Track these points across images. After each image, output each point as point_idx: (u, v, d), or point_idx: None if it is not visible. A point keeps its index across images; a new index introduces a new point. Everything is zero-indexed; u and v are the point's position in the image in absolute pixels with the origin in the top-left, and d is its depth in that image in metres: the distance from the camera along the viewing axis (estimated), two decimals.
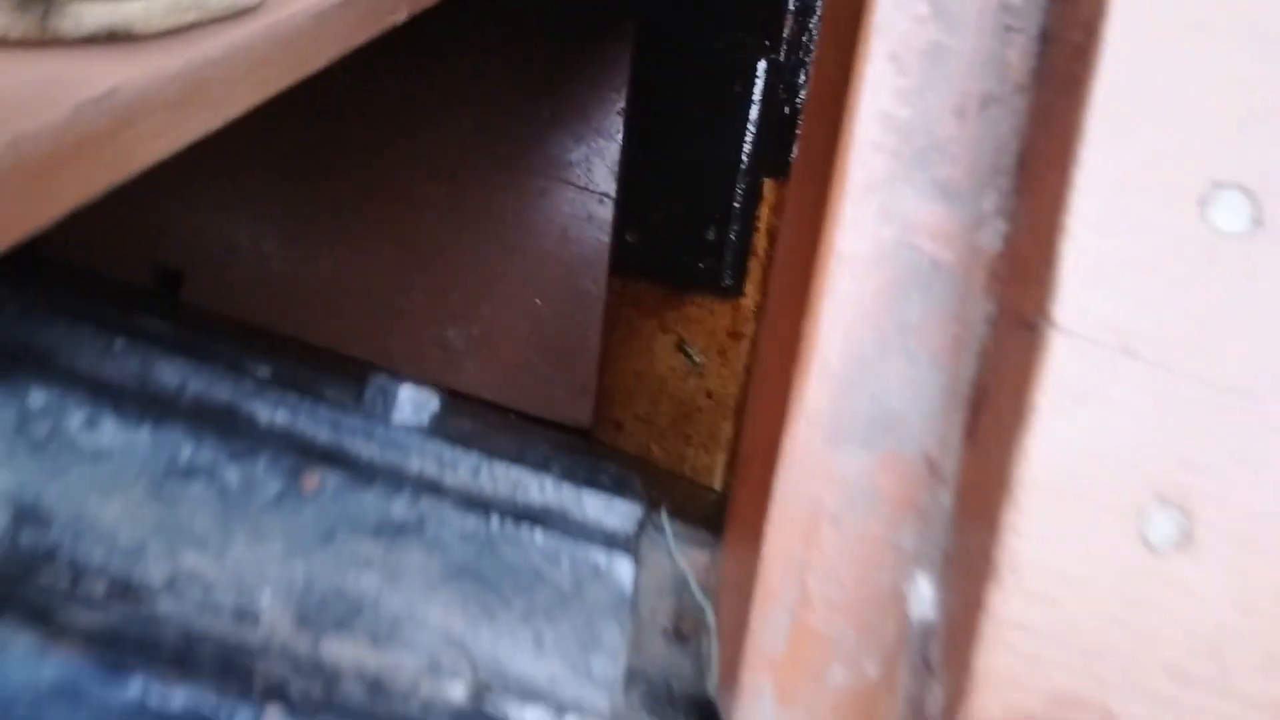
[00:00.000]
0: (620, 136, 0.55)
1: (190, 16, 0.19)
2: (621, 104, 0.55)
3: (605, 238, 0.55)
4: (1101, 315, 0.12)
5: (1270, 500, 0.12)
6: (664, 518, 0.19)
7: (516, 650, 0.15)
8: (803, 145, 0.16)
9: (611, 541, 0.15)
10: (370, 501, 0.15)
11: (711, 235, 0.44)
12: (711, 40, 0.46)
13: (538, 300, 0.57)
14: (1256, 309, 0.12)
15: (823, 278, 0.14)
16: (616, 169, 0.55)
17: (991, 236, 0.14)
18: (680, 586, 0.18)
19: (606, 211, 0.55)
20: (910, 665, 0.14)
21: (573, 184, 0.55)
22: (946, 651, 0.13)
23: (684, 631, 0.18)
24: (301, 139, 0.48)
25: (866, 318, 0.14)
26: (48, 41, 0.17)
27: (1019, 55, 0.14)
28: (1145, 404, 0.12)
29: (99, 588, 0.14)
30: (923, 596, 0.14)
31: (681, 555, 0.18)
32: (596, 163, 0.55)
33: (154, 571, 0.14)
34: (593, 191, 0.55)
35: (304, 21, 0.22)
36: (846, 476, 0.14)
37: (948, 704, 0.13)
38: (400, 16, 0.27)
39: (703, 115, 0.51)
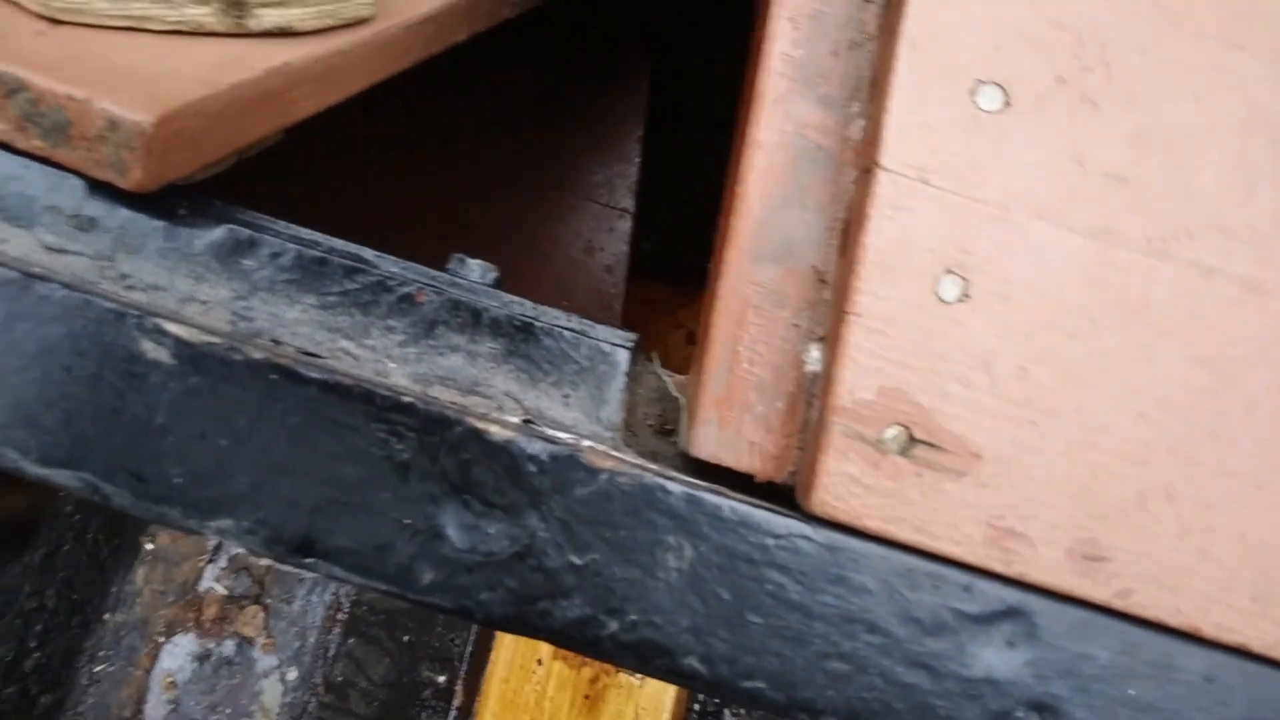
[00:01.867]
0: (638, 160, 0.65)
1: (329, 21, 0.28)
2: (640, 132, 0.65)
3: (625, 247, 0.64)
4: (908, 159, 0.21)
5: (1017, 271, 0.21)
6: (655, 358, 0.27)
7: (551, 403, 0.23)
8: (744, 84, 0.25)
9: (613, 341, 0.24)
10: (456, 317, 0.24)
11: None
12: (716, 69, 0.55)
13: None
14: (1005, 153, 0.21)
15: (748, 157, 0.23)
16: (635, 188, 0.64)
17: (855, 129, 0.23)
18: (664, 398, 0.26)
19: (626, 225, 0.64)
20: (805, 399, 0.22)
21: (597, 202, 0.64)
22: (824, 386, 0.22)
23: (666, 427, 0.26)
24: (366, 142, 0.57)
25: (775, 181, 0.23)
26: (241, 34, 0.26)
27: (871, 16, 0.23)
28: (935, 212, 0.21)
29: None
30: (814, 357, 0.22)
31: (664, 374, 0.26)
32: (618, 183, 0.65)
33: (322, 350, 0.23)
34: (614, 208, 0.64)
35: (398, 31, 0.31)
36: (763, 282, 0.22)
37: (821, 413, 0.21)
38: (461, 36, 0.37)
39: (709, 137, 0.60)
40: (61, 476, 0.19)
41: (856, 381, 0.21)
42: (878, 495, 0.21)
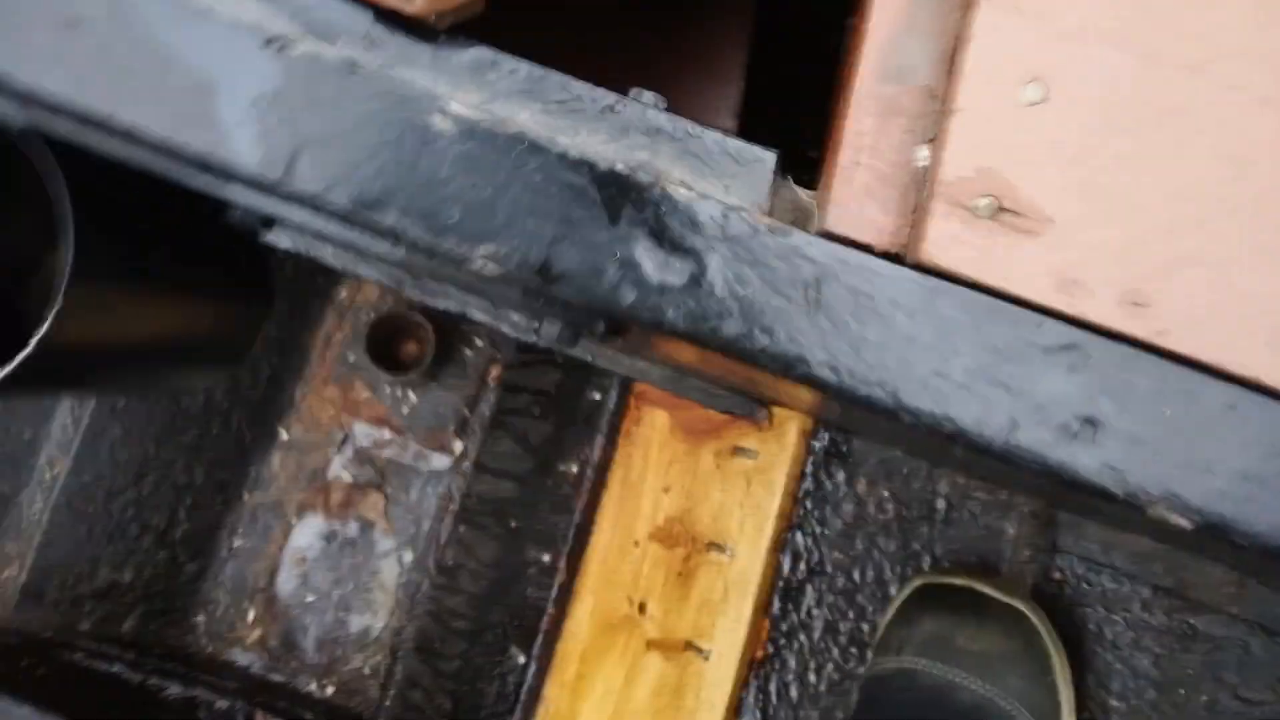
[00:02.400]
0: (741, 84, 0.71)
1: None
2: (744, 58, 0.71)
3: None
4: None
5: (1084, 80, 0.27)
6: (789, 177, 0.34)
7: (716, 187, 0.30)
8: None
9: (762, 148, 0.31)
10: (642, 126, 0.31)
11: None
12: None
13: None
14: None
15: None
16: (737, 109, 0.71)
17: None
18: (798, 207, 0.33)
19: None
20: (916, 187, 0.29)
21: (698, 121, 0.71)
22: (931, 170, 0.28)
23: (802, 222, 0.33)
24: None
25: (896, 16, 0.29)
26: None
27: None
28: (1023, 34, 0.27)
29: None
30: (923, 155, 0.29)
31: (799, 189, 0.33)
32: (721, 105, 0.71)
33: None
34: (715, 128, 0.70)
35: None
36: (884, 98, 0.29)
37: (929, 188, 0.28)
38: None
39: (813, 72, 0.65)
40: (376, 215, 0.27)
41: (956, 163, 0.28)
42: (971, 250, 0.27)
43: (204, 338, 0.45)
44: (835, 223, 0.29)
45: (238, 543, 0.90)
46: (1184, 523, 0.28)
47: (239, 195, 0.30)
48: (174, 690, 0.84)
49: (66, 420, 0.81)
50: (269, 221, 0.51)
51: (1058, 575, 0.60)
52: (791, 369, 0.28)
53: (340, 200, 0.27)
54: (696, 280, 0.28)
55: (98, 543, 0.82)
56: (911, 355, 0.28)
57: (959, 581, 0.58)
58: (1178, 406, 0.28)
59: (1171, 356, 0.28)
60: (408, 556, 0.90)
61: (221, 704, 0.85)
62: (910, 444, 0.60)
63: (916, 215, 0.28)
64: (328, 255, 0.70)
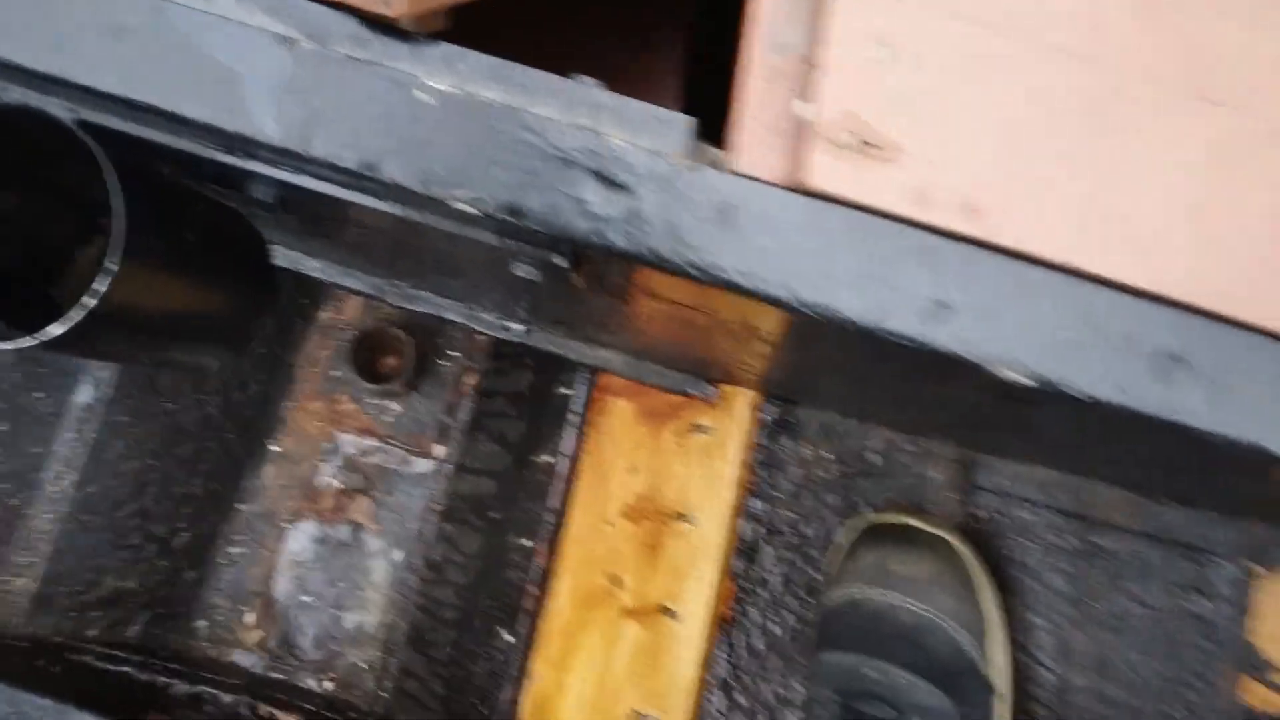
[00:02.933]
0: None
1: None
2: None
3: None
4: None
5: (929, 42, 0.35)
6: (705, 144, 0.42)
7: (644, 140, 0.38)
8: None
9: (680, 115, 0.39)
10: (585, 101, 0.39)
11: None
12: None
13: None
14: None
15: None
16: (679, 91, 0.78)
17: None
18: (711, 157, 0.41)
19: None
20: (798, 135, 0.37)
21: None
22: (810, 119, 0.36)
23: None
24: None
25: (779, 6, 0.37)
26: None
27: None
28: (877, 8, 0.36)
29: None
30: (803, 107, 0.37)
31: (710, 147, 0.41)
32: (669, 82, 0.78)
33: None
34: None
35: None
36: (773, 64, 0.37)
37: (808, 133, 0.36)
38: None
39: None
40: (377, 172, 0.35)
41: (828, 111, 0.35)
42: (843, 177, 0.35)
43: (219, 319, 0.52)
44: (739, 164, 0.37)
45: (235, 550, 0.95)
46: (1026, 381, 0.35)
47: (263, 170, 0.38)
48: (180, 688, 0.89)
49: (73, 436, 0.86)
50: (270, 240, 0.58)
51: (979, 512, 0.67)
52: (711, 276, 0.35)
53: (349, 161, 0.35)
54: (633, 210, 0.35)
55: (104, 552, 0.87)
56: (804, 261, 0.35)
57: (892, 519, 0.66)
58: (1009, 289, 0.35)
59: (1002, 250, 0.35)
60: (397, 555, 0.96)
61: (226, 699, 0.90)
62: (843, 400, 0.68)
63: (801, 153, 0.36)
64: (313, 269, 0.77)
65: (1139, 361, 0.35)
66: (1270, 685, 0.57)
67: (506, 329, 0.78)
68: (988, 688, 0.62)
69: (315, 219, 0.48)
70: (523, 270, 0.39)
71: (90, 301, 0.39)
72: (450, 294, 0.76)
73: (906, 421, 0.67)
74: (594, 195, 0.35)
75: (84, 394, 0.86)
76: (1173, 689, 0.59)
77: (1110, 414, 0.36)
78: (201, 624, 0.94)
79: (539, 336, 0.78)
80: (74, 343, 0.42)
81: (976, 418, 0.53)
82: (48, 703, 0.75)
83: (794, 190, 0.36)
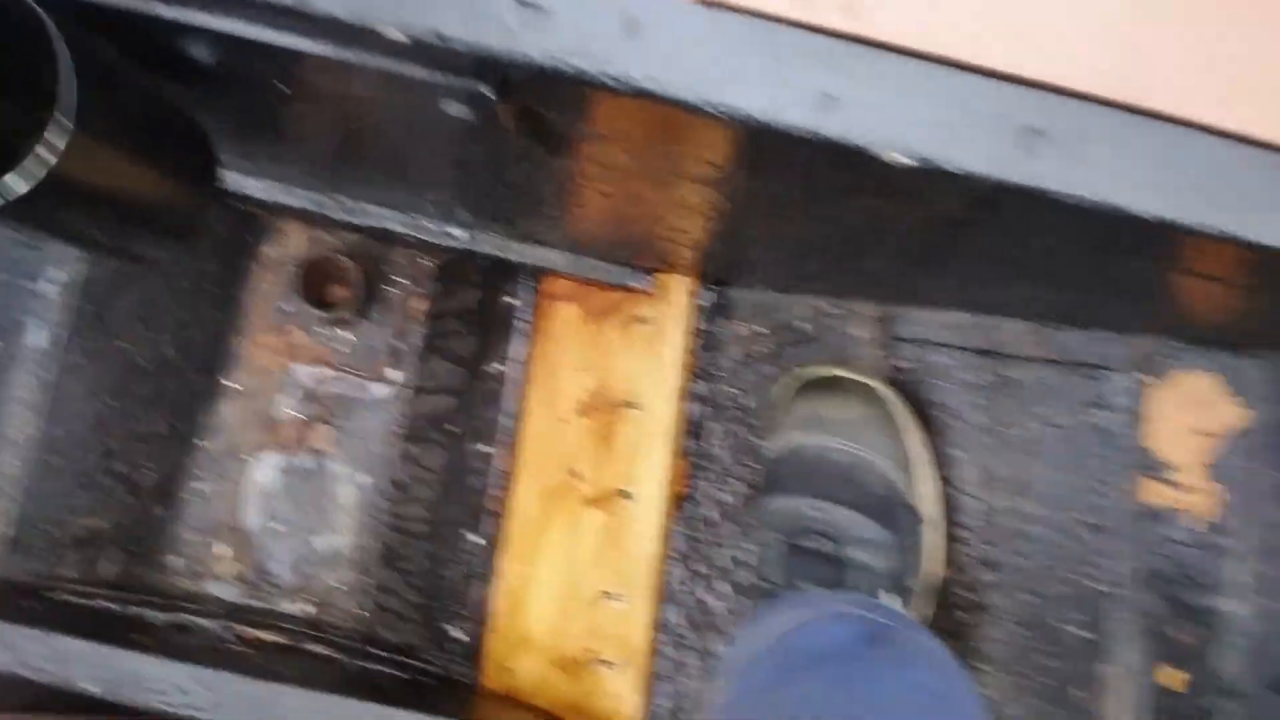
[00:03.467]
0: None
1: None
2: None
3: None
4: None
5: None
6: None
7: None
8: None
9: None
10: None
11: None
12: None
13: None
14: None
15: None
16: None
17: None
18: None
19: None
20: None
21: None
22: None
23: None
24: None
25: None
26: None
27: None
28: None
29: None
30: None
31: None
32: None
33: None
34: None
35: None
36: None
37: None
38: None
39: None
40: (307, 3, 0.38)
41: None
42: None
43: (164, 203, 0.54)
44: None
45: (201, 485, 0.97)
46: (909, 161, 0.40)
47: (200, 21, 0.40)
48: (161, 617, 0.91)
49: (31, 380, 0.88)
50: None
51: (902, 363, 0.72)
52: (623, 85, 0.39)
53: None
54: (547, 26, 0.39)
55: (73, 493, 0.89)
56: (706, 66, 0.39)
57: (822, 372, 0.70)
58: (890, 80, 0.40)
59: (882, 45, 0.40)
60: (363, 479, 0.98)
61: (207, 624, 0.92)
62: (770, 268, 0.72)
63: None
64: (256, 190, 0.80)
65: (1006, 137, 0.40)
66: (1164, 482, 0.63)
67: (449, 235, 0.81)
68: (917, 516, 0.67)
69: (251, 95, 0.50)
70: (454, 109, 0.43)
71: (48, 156, 0.42)
72: (392, 203, 0.79)
73: (829, 282, 0.71)
74: (511, 14, 0.39)
75: (36, 337, 0.88)
76: (1082, 497, 0.65)
77: (982, 189, 0.40)
78: (175, 560, 0.97)
79: (481, 240, 0.81)
80: (34, 209, 0.44)
81: (887, 254, 0.57)
82: (35, 632, 0.78)
83: (693, 1, 0.40)
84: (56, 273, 0.88)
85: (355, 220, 0.80)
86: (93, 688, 0.79)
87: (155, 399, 0.94)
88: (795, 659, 0.57)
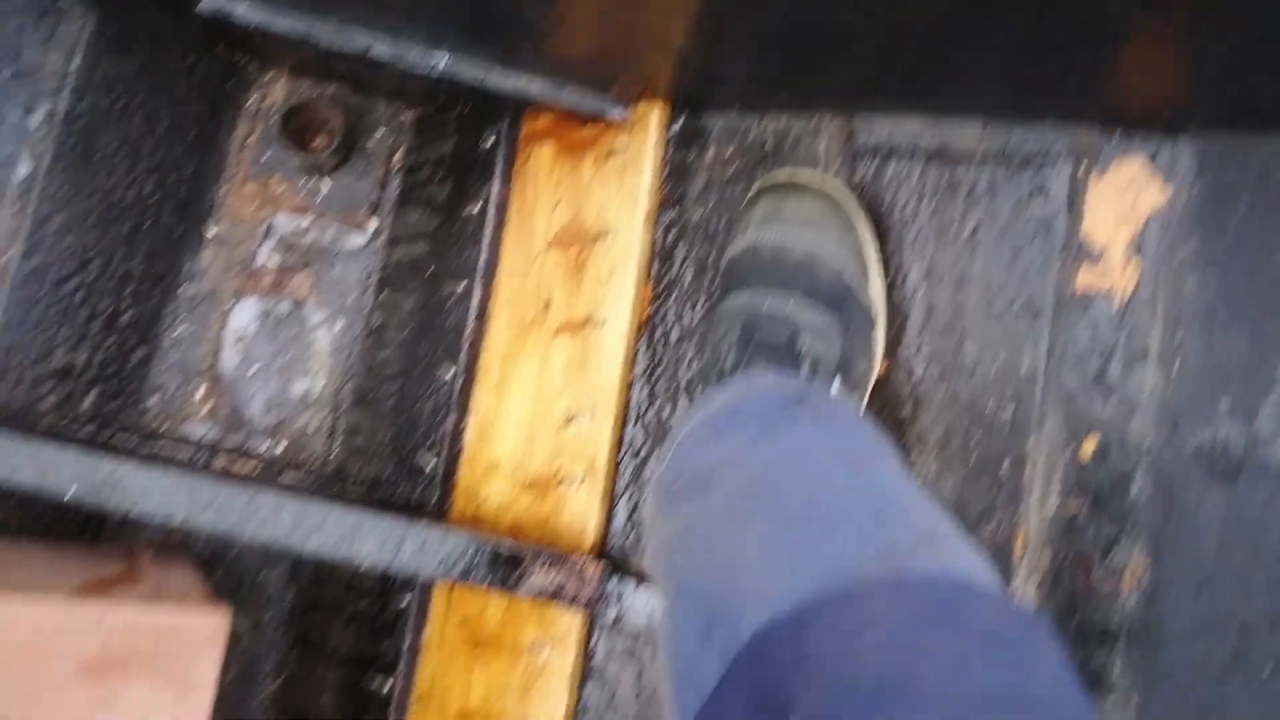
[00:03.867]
0: None
1: None
2: None
3: None
4: None
5: None
6: None
7: None
8: None
9: None
10: None
11: None
12: None
13: None
14: None
15: None
16: None
17: None
18: None
19: None
20: None
21: None
22: None
23: None
24: None
25: None
26: None
27: None
28: None
29: None
30: None
31: None
32: None
33: None
34: None
35: None
36: None
37: None
38: None
39: None
40: None
41: None
42: None
43: None
44: None
45: (179, 330, 0.99)
46: None
47: None
48: (139, 447, 0.93)
49: (14, 210, 0.89)
50: None
51: (861, 173, 0.75)
52: None
53: None
54: None
55: (51, 326, 0.91)
56: None
57: (783, 178, 0.73)
58: None
59: None
60: (338, 324, 1.01)
61: (183, 455, 0.94)
62: (742, 83, 0.75)
63: None
64: (244, 13, 0.81)
65: None
66: (1092, 266, 0.66)
67: (431, 59, 0.83)
68: (868, 310, 0.70)
69: None
70: None
71: None
72: (381, 25, 0.81)
73: (797, 93, 0.74)
74: None
75: (22, 168, 0.89)
76: (1017, 285, 0.68)
77: None
78: (153, 401, 0.98)
79: (464, 67, 0.83)
80: None
81: (860, 44, 0.60)
82: (21, 442, 0.80)
83: None
84: (41, 104, 0.89)
85: (342, 46, 0.82)
86: (77, 493, 0.81)
87: (135, 239, 0.96)
88: (724, 421, 0.60)
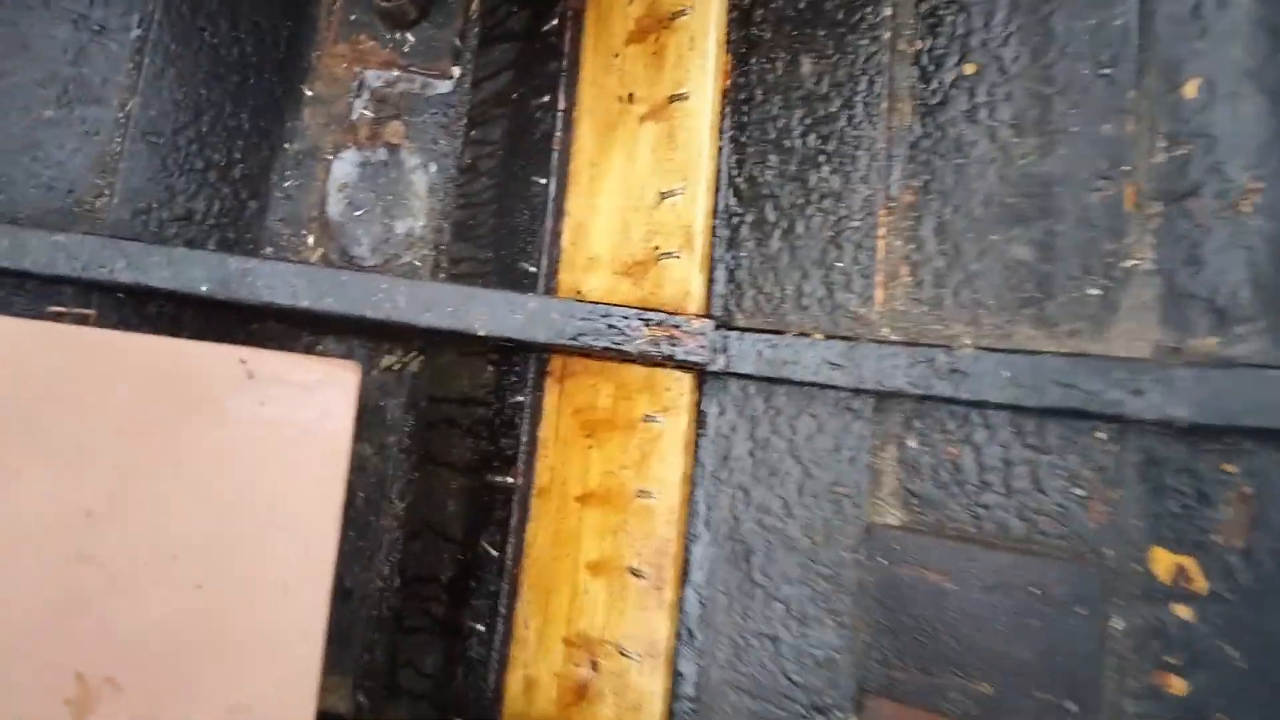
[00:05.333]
0: None
1: None
2: None
3: None
4: None
5: None
6: None
7: None
8: None
9: None
10: None
11: None
12: None
13: None
14: None
15: None
16: None
17: None
18: None
19: None
20: None
21: None
22: None
23: None
24: None
25: None
26: None
27: None
28: None
29: None
30: None
31: None
32: None
33: None
34: None
35: None
36: None
37: None
38: None
39: None
40: None
41: None
42: None
43: None
44: None
45: (287, 183, 1.04)
46: None
47: None
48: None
49: (130, 66, 0.95)
50: None
51: None
52: None
53: None
54: None
55: (171, 173, 0.96)
56: None
57: None
58: None
59: None
60: (433, 167, 1.04)
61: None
62: None
63: None
64: None
65: None
66: None
67: None
68: None
69: None
70: None
71: None
72: None
73: None
74: None
75: (136, 27, 0.95)
76: None
77: None
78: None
79: None
80: None
81: None
82: (153, 246, 0.84)
83: None
84: None
85: None
86: (209, 289, 0.85)
87: (241, 95, 1.01)
88: None
